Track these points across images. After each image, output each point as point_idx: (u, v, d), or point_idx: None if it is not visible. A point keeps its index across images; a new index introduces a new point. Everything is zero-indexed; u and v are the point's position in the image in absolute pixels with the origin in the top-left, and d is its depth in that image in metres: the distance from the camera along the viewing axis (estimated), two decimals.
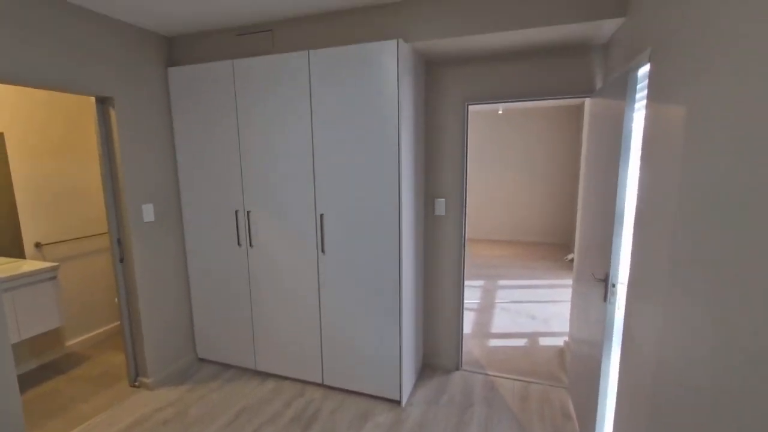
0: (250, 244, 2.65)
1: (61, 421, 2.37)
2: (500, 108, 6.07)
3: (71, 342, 3.22)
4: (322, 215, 2.41)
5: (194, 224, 2.81)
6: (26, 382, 2.79)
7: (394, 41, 2.08)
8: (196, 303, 2.93)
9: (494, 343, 3.25)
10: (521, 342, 3.25)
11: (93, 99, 2.38)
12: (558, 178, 6.63)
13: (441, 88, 2.62)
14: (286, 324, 2.66)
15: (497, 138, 6.85)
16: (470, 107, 2.63)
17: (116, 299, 3.12)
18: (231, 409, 2.46)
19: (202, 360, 3.04)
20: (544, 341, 3.25)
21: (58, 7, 2.07)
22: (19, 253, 2.85)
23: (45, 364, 3.02)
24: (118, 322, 3.59)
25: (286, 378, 2.78)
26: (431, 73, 2.63)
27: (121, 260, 2.56)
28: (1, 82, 1.88)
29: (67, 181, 3.13)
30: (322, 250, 2.45)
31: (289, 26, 2.47)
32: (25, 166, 2.87)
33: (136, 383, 2.71)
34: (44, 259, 3.00)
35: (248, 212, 2.61)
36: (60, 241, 3.08)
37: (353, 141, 2.26)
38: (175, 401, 2.55)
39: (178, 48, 2.73)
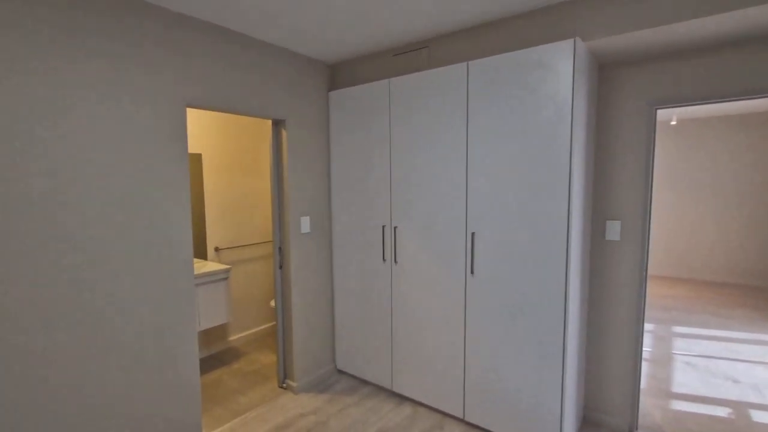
0: (395, 260, 2.62)
1: (223, 409, 2.62)
2: (673, 118, 5.13)
3: (232, 338, 3.63)
4: (473, 234, 2.24)
5: (342, 237, 2.92)
6: (200, 367, 3.21)
7: (570, 41, 1.84)
8: (338, 315, 3.02)
9: (679, 406, 2.56)
10: (721, 411, 2.50)
11: (270, 122, 2.68)
12: (764, 203, 5.24)
13: (617, 91, 2.25)
14: (426, 347, 2.52)
15: (667, 154, 5.78)
16: (659, 111, 2.18)
17: (271, 303, 3.42)
18: (368, 429, 2.39)
19: (340, 372, 3.09)
20: (758, 416, 2.44)
21: (249, 43, 2.40)
22: (203, 255, 3.35)
23: (213, 355, 3.44)
24: (270, 324, 3.94)
25: (422, 405, 2.62)
26: (605, 75, 2.28)
27: (281, 267, 2.78)
28: (212, 110, 2.23)
29: (240, 194, 3.62)
30: (471, 272, 2.27)
31: (445, 41, 2.43)
32: (212, 181, 3.40)
33: (284, 385, 2.87)
34: (220, 262, 3.47)
35: (395, 228, 2.59)
36: (232, 247, 3.55)
37: (514, 155, 2.05)
38: (316, 410, 2.60)
39: (338, 73, 2.94)
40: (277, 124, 2.69)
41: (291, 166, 2.68)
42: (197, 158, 3.27)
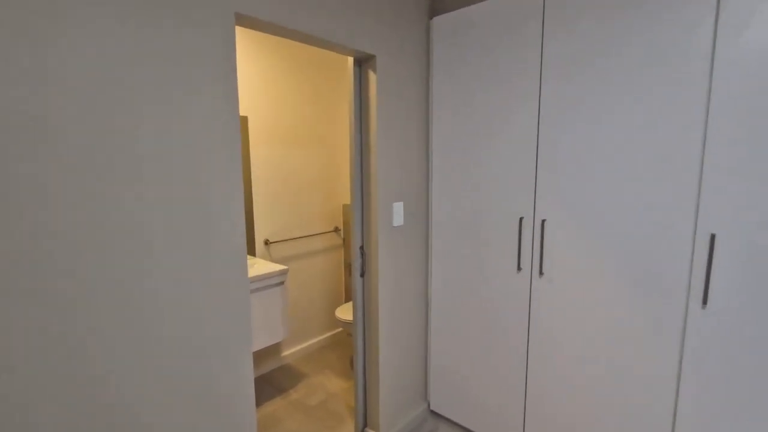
0: (540, 271, 1.71)
1: None
2: None
3: (286, 353, 2.88)
4: (713, 236, 1.29)
5: (446, 233, 2.04)
6: None
7: None
8: (434, 340, 2.17)
9: None
10: None
11: (350, 61, 1.80)
12: None
13: None
14: (596, 412, 1.62)
15: None
16: None
17: (336, 311, 2.62)
18: None
19: (434, 414, 2.27)
20: None
21: None
22: (251, 250, 2.58)
23: (263, 376, 2.71)
24: (329, 334, 3.17)
25: None
26: None
27: (362, 274, 1.95)
28: (271, 31, 1.37)
29: (297, 170, 2.80)
30: (703, 302, 1.33)
31: None
32: (262, 154, 2.59)
33: None
34: (270, 258, 2.70)
35: (542, 221, 1.68)
36: (286, 240, 2.75)
37: None
38: None
39: None
40: (362, 64, 1.80)
41: (381, 126, 1.80)
42: (242, 122, 2.47)
